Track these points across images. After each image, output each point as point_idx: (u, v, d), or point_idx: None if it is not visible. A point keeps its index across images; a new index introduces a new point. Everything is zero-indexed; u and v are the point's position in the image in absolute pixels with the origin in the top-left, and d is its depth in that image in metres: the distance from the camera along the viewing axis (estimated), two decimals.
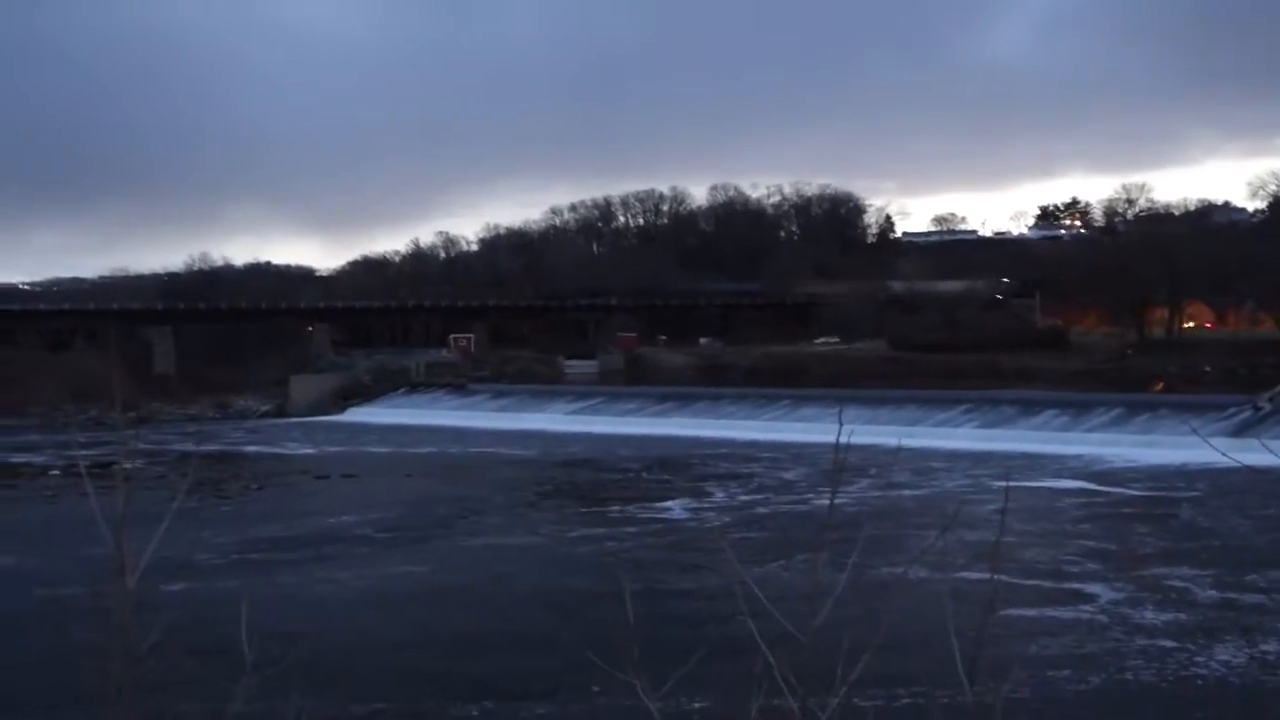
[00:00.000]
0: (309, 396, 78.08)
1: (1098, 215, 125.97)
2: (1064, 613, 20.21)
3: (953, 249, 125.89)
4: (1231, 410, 46.66)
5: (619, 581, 20.53)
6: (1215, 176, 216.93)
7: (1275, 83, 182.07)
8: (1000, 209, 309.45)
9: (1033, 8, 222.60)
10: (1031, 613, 19.89)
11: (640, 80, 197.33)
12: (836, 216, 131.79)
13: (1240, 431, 43.55)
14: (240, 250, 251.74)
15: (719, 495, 36.47)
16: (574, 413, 65.80)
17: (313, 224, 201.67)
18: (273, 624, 19.67)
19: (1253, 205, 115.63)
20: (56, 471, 45.36)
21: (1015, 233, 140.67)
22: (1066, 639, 18.05)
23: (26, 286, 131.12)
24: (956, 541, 22.55)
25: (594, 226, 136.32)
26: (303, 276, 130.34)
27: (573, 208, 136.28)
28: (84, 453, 36.28)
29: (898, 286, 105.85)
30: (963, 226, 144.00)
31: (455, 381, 79.28)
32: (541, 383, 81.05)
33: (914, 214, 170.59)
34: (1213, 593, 21.33)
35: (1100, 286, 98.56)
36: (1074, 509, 32.54)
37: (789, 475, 39.94)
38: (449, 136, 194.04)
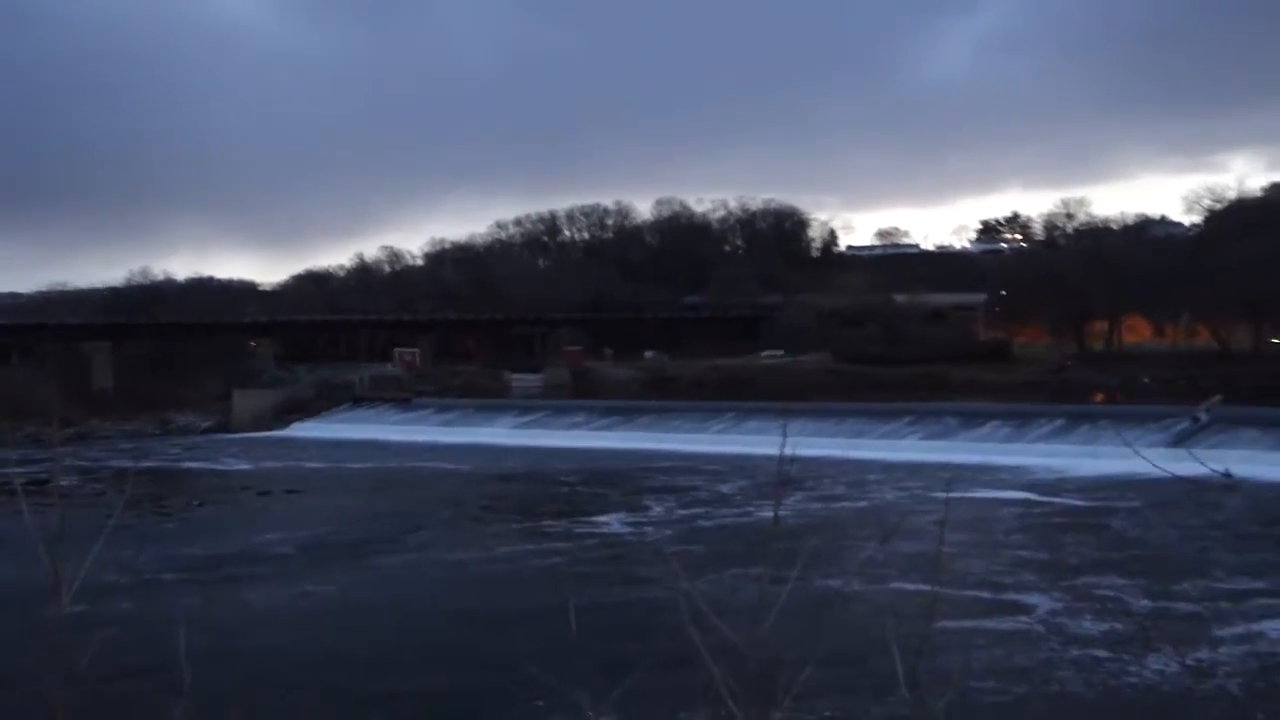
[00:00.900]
0: (251, 411, 77.33)
1: (1038, 229, 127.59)
2: (998, 623, 20.50)
3: (896, 262, 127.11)
4: (1169, 421, 47.36)
5: (553, 595, 20.66)
6: (1152, 191, 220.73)
7: (1209, 99, 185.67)
8: (942, 223, 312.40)
9: (974, 27, 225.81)
10: (967, 624, 20.17)
11: (583, 96, 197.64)
12: (781, 231, 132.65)
13: (1178, 442, 44.28)
14: (182, 265, 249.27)
15: (659, 509, 36.53)
16: (519, 426, 65.69)
17: (255, 238, 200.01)
18: (202, 644, 19.60)
19: (1189, 219, 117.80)
20: None
21: (958, 246, 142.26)
22: (998, 650, 18.29)
23: None
24: (896, 553, 22.78)
25: (539, 240, 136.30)
26: (245, 291, 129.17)
27: (518, 222, 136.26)
28: (19, 470, 35.60)
29: (842, 299, 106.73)
30: (905, 240, 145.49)
31: (400, 396, 78.85)
32: (487, 397, 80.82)
33: (858, 229, 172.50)
34: (1145, 602, 21.73)
35: (1041, 299, 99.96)
36: (1013, 519, 33.00)
37: (732, 488, 40.13)
38: (392, 151, 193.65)
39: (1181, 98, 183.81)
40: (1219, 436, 44.11)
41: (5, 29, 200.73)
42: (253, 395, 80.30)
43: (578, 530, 32.67)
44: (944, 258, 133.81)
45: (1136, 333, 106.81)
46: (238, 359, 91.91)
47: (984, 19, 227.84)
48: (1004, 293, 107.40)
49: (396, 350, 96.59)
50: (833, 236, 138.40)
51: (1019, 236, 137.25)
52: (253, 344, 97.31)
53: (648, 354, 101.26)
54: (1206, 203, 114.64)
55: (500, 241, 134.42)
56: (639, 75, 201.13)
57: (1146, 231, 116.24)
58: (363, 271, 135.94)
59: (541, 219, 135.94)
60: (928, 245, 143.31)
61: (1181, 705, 16.17)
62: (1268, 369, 77.58)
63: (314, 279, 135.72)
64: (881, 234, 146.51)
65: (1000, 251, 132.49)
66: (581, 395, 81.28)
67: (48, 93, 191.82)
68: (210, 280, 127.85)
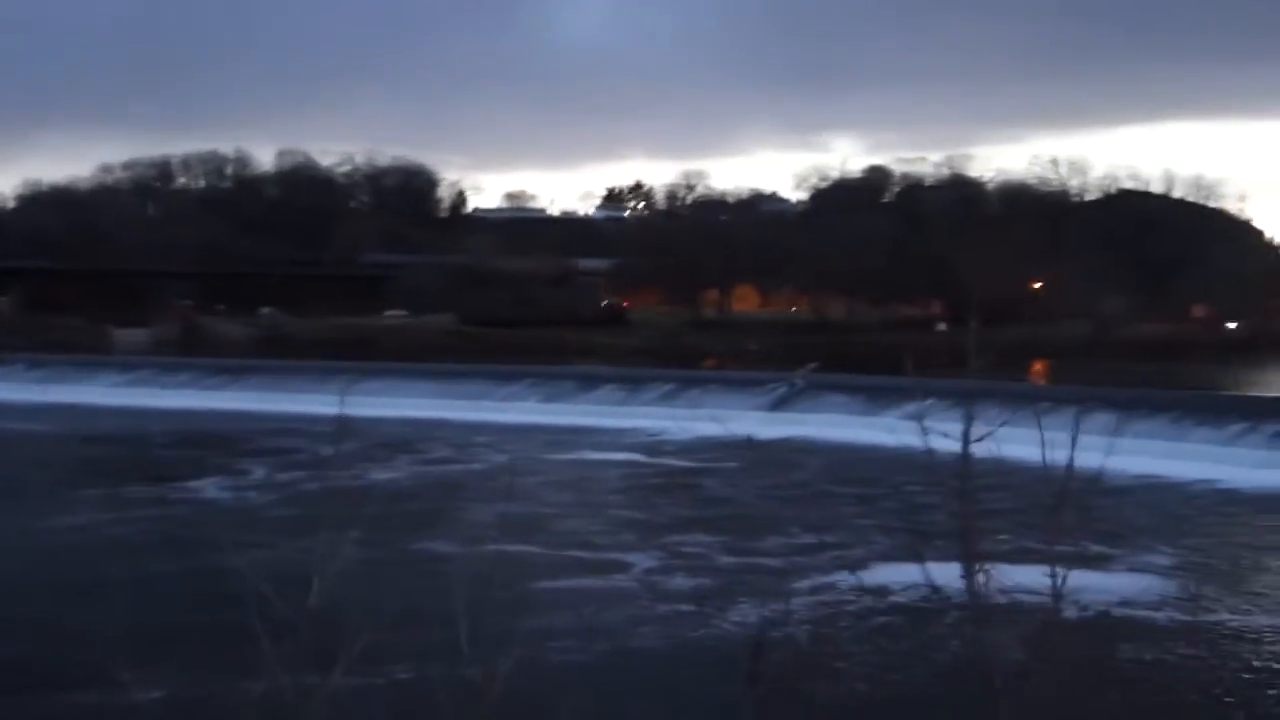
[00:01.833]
0: None
1: (661, 199, 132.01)
2: (589, 582, 21.01)
3: (523, 226, 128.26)
4: (771, 386, 49.99)
5: (128, 564, 19.44)
6: (766, 167, 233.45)
7: (821, 80, 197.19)
8: (570, 188, 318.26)
9: None
10: (558, 583, 20.56)
11: (202, 36, 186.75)
12: (409, 189, 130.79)
13: (776, 406, 47.11)
14: None
15: (261, 472, 35.10)
16: (120, 385, 61.64)
17: None
18: None
19: (797, 196, 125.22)
20: None
21: (582, 212, 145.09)
22: (586, 608, 18.69)
23: None
24: (498, 514, 22.90)
25: (151, 188, 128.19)
26: None
27: (127, 166, 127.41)
28: None
29: (468, 260, 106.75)
30: (533, 204, 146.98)
31: None
32: (86, 353, 75.41)
33: (486, 190, 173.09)
34: (730, 558, 22.84)
35: (660, 267, 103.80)
36: (617, 480, 34.06)
37: (339, 450, 39.15)
38: None
39: (796, 77, 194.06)
40: (811, 401, 47.04)
41: None
42: None
43: (171, 495, 30.90)
44: (570, 223, 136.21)
45: (746, 302, 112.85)
46: None
47: None
48: (625, 260, 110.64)
49: None
50: (461, 197, 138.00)
51: (642, 205, 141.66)
52: None
53: (264, 311, 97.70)
54: (813, 181, 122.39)
55: (106, 187, 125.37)
56: (258, 16, 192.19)
57: (759, 206, 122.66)
58: None
59: (154, 164, 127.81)
60: (554, 210, 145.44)
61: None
62: (859, 339, 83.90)
63: None
64: (510, 197, 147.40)
65: (623, 219, 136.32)
66: (190, 353, 77.45)
67: None
68: None
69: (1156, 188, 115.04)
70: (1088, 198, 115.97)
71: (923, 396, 32.40)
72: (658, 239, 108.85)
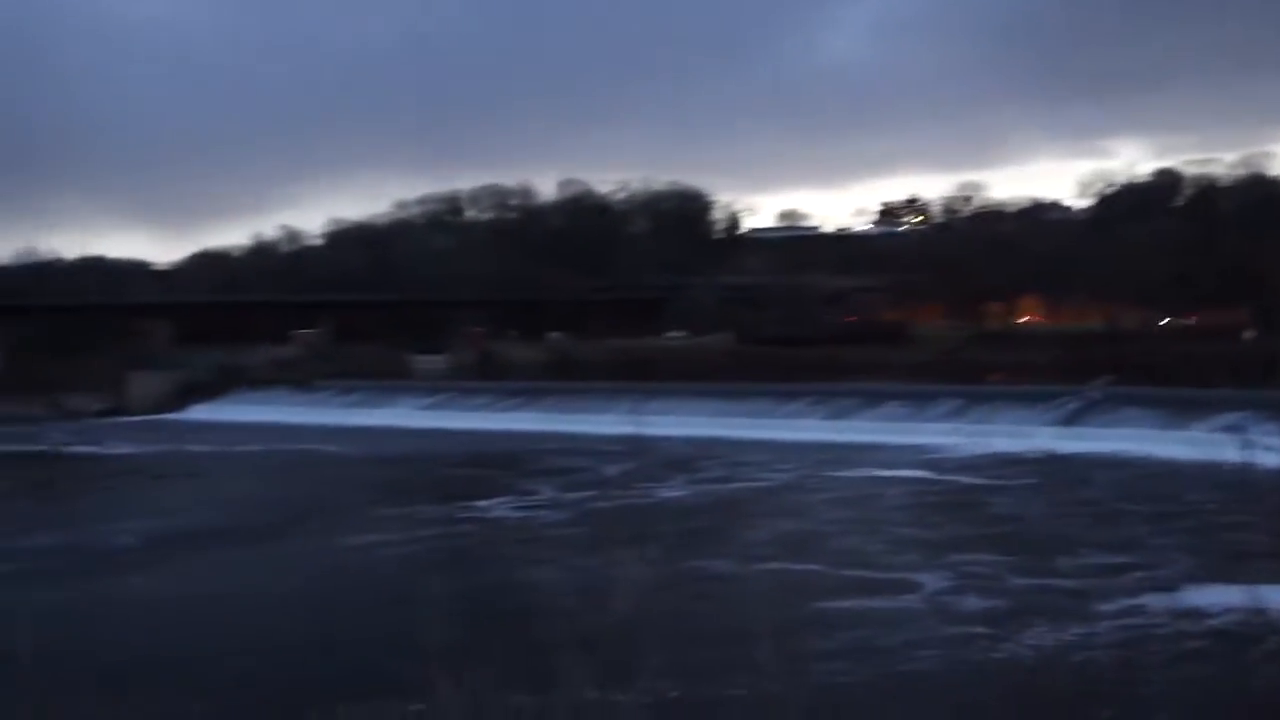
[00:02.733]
0: (148, 394, 75.73)
1: (936, 212, 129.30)
2: (875, 602, 20.71)
3: (798, 245, 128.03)
4: (1064, 400, 48.20)
5: (430, 580, 20.40)
6: (1044, 176, 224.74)
7: (1097, 86, 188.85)
8: (842, 206, 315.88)
9: (869, 9, 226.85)
10: (845, 603, 20.36)
11: (481, 75, 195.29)
12: (684, 213, 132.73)
13: (1071, 420, 45.38)
14: (69, 243, 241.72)
15: (549, 491, 36.23)
16: (424, 408, 65.20)
17: (145, 216, 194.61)
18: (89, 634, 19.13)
19: (1080, 203, 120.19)
20: None
21: (857, 229, 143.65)
22: (870, 629, 18.45)
23: None
24: (783, 532, 22.94)
25: (442, 221, 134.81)
26: (137, 270, 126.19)
27: (420, 201, 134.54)
28: None
29: (745, 281, 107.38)
30: (807, 223, 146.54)
31: (299, 377, 77.71)
32: (389, 379, 79.98)
33: (760, 211, 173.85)
34: (1022, 579, 22.06)
35: (940, 281, 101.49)
36: (903, 497, 33.47)
37: (627, 467, 40.11)
38: (289, 128, 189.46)
39: (1071, 83, 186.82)
40: (1107, 414, 45.07)
41: None
42: (149, 378, 78.59)
43: (464, 514, 32.35)
44: (845, 240, 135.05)
45: (1032, 314, 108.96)
46: (130, 340, 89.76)
47: (881, 3, 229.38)
48: (903, 275, 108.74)
49: (295, 332, 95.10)
50: (735, 219, 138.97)
51: (918, 219, 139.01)
52: (147, 325, 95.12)
53: (552, 335, 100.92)
54: (1098, 187, 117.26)
55: (401, 221, 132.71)
56: (535, 51, 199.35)
57: (1041, 214, 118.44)
58: (260, 251, 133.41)
59: (444, 199, 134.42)
60: (828, 228, 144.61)
61: (1048, 674, 16.46)
62: (1154, 348, 79.64)
63: (209, 259, 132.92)
64: (783, 216, 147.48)
65: (900, 234, 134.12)
66: (486, 377, 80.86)
67: None
68: (100, 260, 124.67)
69: None
70: None
71: (1237, 408, 30.49)
72: (937, 252, 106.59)
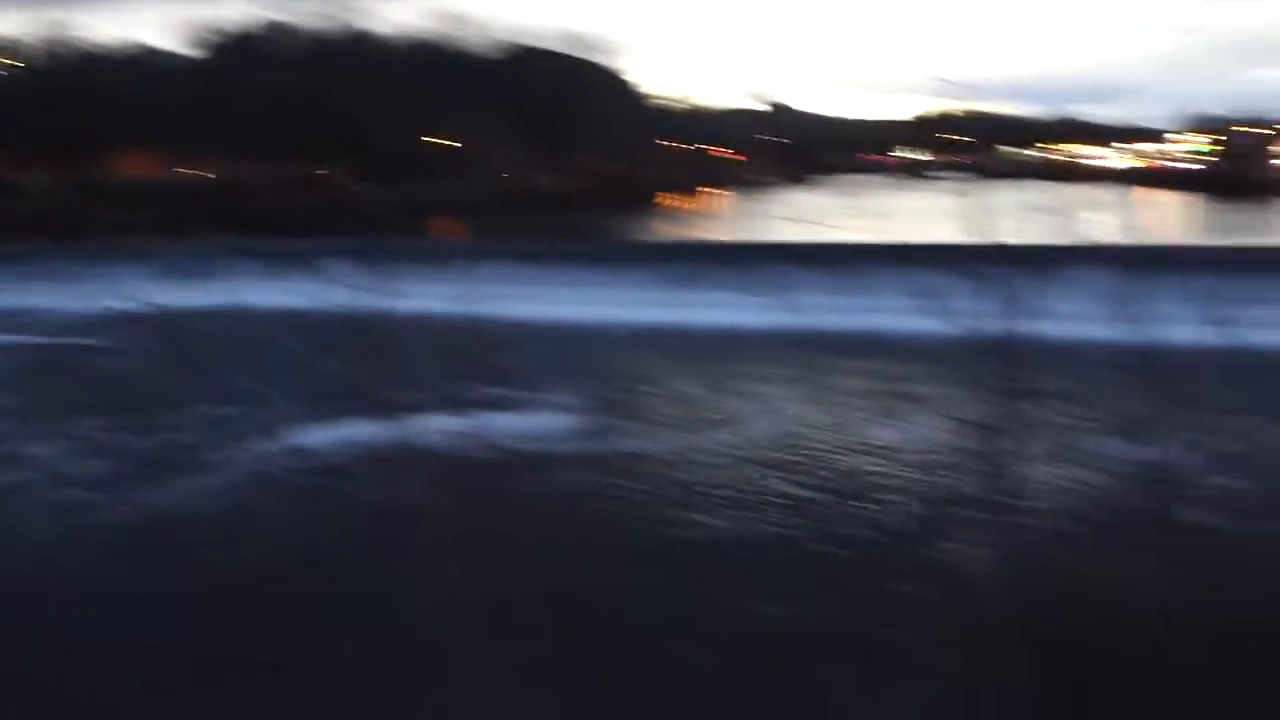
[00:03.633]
0: None
1: (30, 54, 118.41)
2: None
3: None
4: (172, 255, 47.03)
5: None
6: (148, 20, 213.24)
7: None
8: None
9: None
10: None
11: None
12: None
13: (185, 276, 44.30)
14: None
15: None
16: None
17: None
18: None
19: (192, 52, 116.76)
20: None
21: None
22: None
23: None
24: None
25: None
26: None
27: None
28: None
29: None
30: None
31: None
32: None
33: None
34: (134, 440, 21.34)
35: (39, 132, 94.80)
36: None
37: None
38: None
39: None
40: (218, 268, 44.60)
41: None
42: None
43: None
44: None
45: (142, 166, 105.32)
46: None
47: None
48: None
49: None
50: None
51: (7, 60, 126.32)
52: None
53: None
54: (208, 36, 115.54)
55: None
56: None
57: (149, 61, 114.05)
58: None
59: None
60: None
61: (166, 531, 16.27)
62: (266, 201, 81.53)
63: None
64: None
65: None
66: None
67: None
68: None
69: (545, 44, 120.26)
70: (488, 55, 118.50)
71: (338, 257, 32.08)
72: (31, 99, 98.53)
